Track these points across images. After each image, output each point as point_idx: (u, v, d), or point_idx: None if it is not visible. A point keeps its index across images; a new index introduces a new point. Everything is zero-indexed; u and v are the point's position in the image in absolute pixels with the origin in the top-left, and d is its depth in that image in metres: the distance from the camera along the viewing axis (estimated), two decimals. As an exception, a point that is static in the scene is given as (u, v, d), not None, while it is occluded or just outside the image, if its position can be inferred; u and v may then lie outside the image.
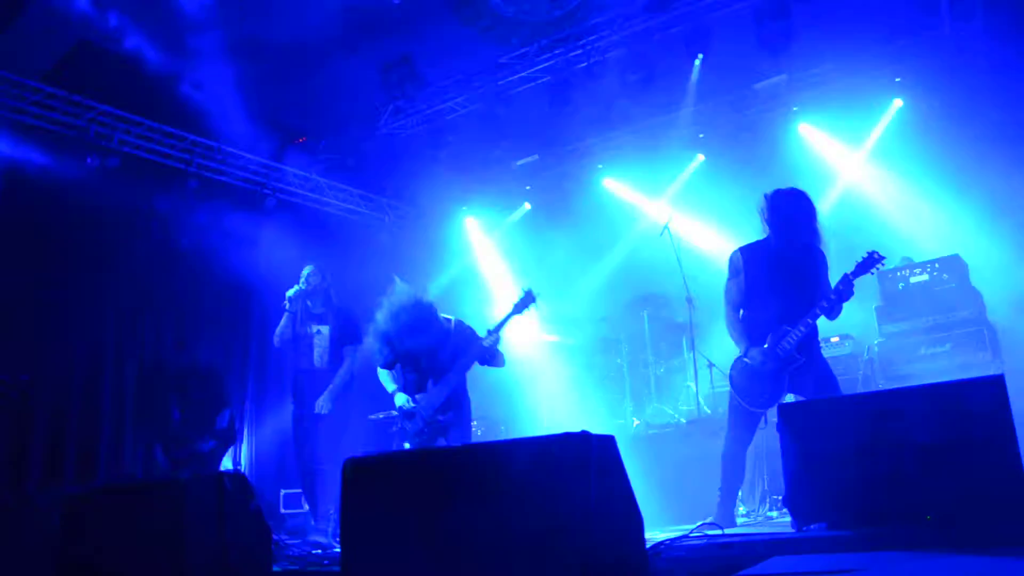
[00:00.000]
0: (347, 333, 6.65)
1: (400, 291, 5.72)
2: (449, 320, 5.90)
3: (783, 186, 5.51)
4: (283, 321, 6.68)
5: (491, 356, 5.76)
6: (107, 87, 8.13)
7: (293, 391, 6.77)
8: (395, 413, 5.94)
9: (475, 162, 10.12)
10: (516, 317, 5.78)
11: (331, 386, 6.51)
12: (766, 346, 5.28)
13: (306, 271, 6.71)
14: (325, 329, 6.63)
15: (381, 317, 5.74)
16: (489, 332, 5.71)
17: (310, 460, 6.54)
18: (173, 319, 7.22)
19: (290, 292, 6.61)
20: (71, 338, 8.06)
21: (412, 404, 5.67)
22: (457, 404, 5.73)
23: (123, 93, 8.25)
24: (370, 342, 5.94)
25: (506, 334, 5.83)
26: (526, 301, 5.78)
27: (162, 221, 8.54)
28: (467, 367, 5.71)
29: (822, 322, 5.43)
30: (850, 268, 5.20)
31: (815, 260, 5.39)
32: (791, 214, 5.31)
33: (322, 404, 6.44)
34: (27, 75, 7.65)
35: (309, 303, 6.69)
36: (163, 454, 6.82)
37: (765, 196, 5.45)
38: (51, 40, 7.60)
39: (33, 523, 4.76)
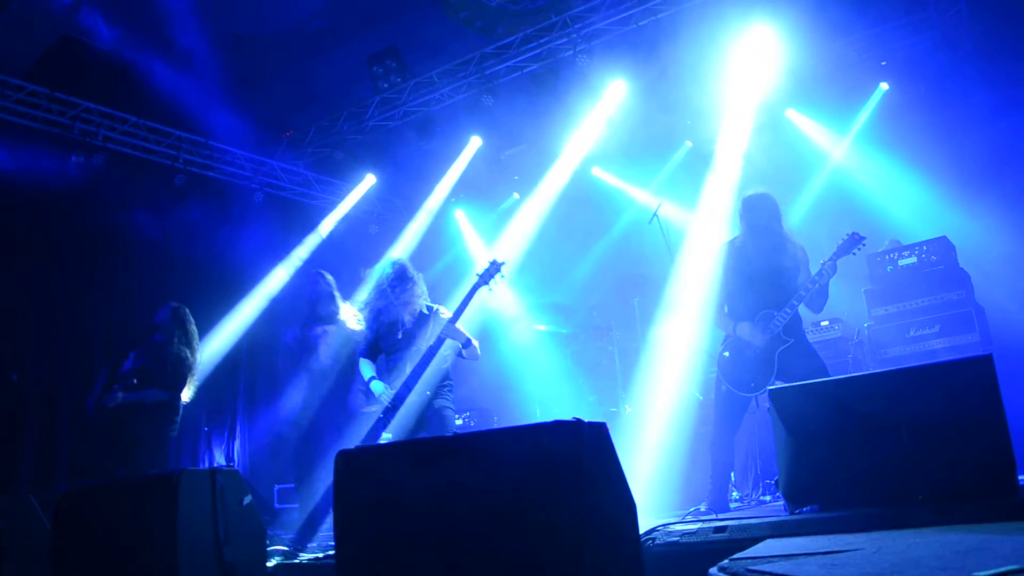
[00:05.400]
0: (355, 331, 6.67)
1: (388, 259, 5.90)
2: (430, 307, 5.90)
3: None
4: (287, 339, 6.87)
5: (456, 334, 5.60)
6: (91, 83, 8.08)
7: (303, 395, 6.80)
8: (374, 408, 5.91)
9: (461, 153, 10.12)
10: (483, 289, 5.67)
11: (356, 384, 6.52)
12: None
13: (311, 279, 6.86)
14: (332, 328, 6.69)
15: (369, 289, 5.87)
16: (456, 310, 5.61)
17: (308, 469, 6.55)
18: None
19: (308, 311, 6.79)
20: (60, 336, 8.03)
21: (390, 392, 5.61)
22: (437, 390, 5.66)
23: (108, 89, 8.20)
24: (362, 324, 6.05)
25: (479, 318, 5.77)
26: (491, 271, 5.67)
27: (149, 218, 8.50)
28: (438, 347, 5.58)
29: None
30: (832, 252, 5.29)
31: (789, 253, 5.51)
32: (756, 218, 5.50)
33: (353, 403, 6.47)
34: (9, 72, 7.59)
35: (317, 307, 6.77)
36: (95, 399, 6.65)
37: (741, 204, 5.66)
38: (32, 36, 7.54)
39: (27, 520, 4.75)
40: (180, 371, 6.53)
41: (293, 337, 6.81)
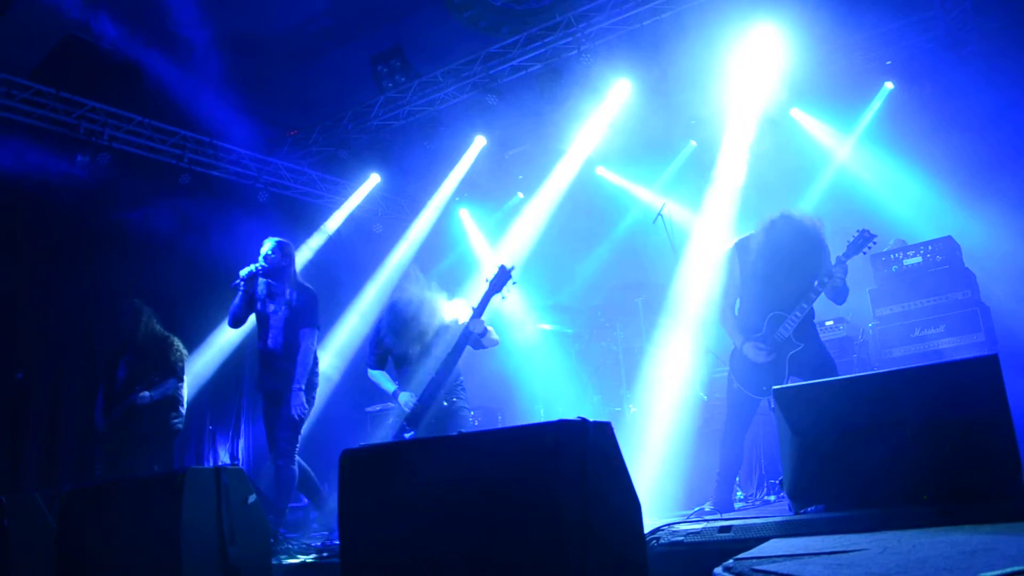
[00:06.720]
0: (301, 315, 6.13)
1: (414, 285, 5.68)
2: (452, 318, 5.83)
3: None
4: (235, 300, 6.20)
5: (480, 337, 5.51)
6: (96, 83, 8.10)
7: (257, 376, 6.38)
8: (392, 405, 5.85)
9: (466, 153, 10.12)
10: (496, 297, 5.50)
11: (295, 383, 5.97)
12: (764, 331, 5.31)
13: (265, 249, 6.22)
14: (281, 308, 6.19)
15: (389, 310, 5.74)
16: (472, 317, 5.49)
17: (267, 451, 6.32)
18: (166, 314, 7.19)
19: (243, 271, 6.12)
20: (64, 335, 8.04)
21: (415, 401, 5.55)
22: (452, 390, 5.63)
23: (113, 89, 8.22)
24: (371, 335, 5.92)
25: (484, 317, 5.55)
26: (501, 278, 5.49)
27: (154, 217, 8.52)
28: (458, 356, 5.53)
29: (821, 305, 5.44)
30: (842, 250, 5.22)
31: (809, 247, 5.33)
32: (779, 239, 5.31)
33: (295, 405, 5.93)
34: (14, 72, 7.61)
35: (270, 282, 6.21)
36: (102, 416, 6.62)
37: (767, 220, 5.42)
38: (38, 36, 7.55)
39: (32, 519, 4.75)
40: (180, 359, 6.74)
41: (237, 315, 6.22)
